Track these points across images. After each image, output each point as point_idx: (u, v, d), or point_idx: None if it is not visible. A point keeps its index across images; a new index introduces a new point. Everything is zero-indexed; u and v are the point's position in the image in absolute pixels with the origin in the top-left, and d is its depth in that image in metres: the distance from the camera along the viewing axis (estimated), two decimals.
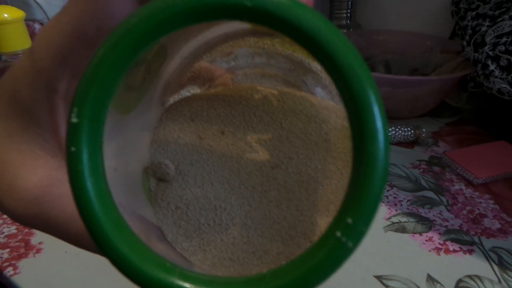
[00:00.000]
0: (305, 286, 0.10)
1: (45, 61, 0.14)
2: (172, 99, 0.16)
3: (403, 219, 0.42)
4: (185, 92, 0.17)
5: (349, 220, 0.10)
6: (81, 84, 0.10)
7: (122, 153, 0.14)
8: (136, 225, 0.13)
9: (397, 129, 0.54)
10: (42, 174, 0.15)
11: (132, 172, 0.15)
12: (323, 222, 0.14)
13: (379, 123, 0.09)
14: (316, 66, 0.17)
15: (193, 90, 0.17)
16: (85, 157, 0.10)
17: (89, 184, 0.10)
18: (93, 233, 0.10)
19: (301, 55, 0.16)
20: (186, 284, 0.10)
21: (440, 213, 0.43)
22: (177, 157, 0.15)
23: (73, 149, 0.10)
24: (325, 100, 0.15)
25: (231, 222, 0.14)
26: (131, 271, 0.10)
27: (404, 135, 0.54)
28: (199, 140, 0.15)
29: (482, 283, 0.35)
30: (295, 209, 0.14)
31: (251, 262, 0.14)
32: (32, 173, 0.15)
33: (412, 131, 0.54)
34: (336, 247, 0.10)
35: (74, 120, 0.10)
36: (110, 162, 0.11)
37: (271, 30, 0.10)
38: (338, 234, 0.10)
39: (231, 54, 0.17)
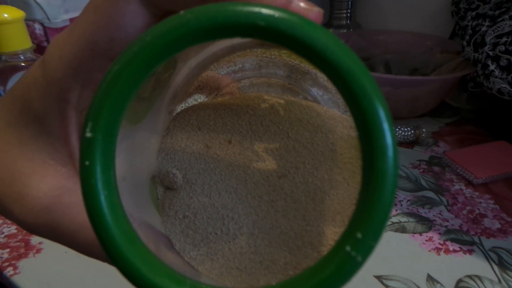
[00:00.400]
0: None
1: (57, 71, 0.14)
2: (179, 108, 0.16)
3: (403, 219, 0.42)
4: (192, 101, 0.17)
5: (359, 235, 0.10)
6: (96, 99, 0.10)
7: (131, 162, 0.14)
8: (145, 234, 0.13)
9: (397, 129, 0.54)
10: (52, 183, 0.15)
11: (140, 181, 0.15)
12: (330, 233, 0.14)
13: (388, 139, 0.09)
14: (322, 76, 0.17)
15: (200, 98, 0.17)
16: (98, 170, 0.10)
17: (102, 197, 0.10)
18: (106, 245, 0.10)
19: (307, 65, 0.17)
20: None
21: (440, 213, 0.43)
22: (185, 166, 0.15)
23: (87, 163, 0.10)
24: (331, 109, 0.15)
25: (238, 231, 0.15)
26: (142, 283, 0.11)
27: (404, 135, 0.54)
28: (206, 149, 0.15)
29: (482, 283, 0.35)
30: (302, 219, 0.14)
31: (259, 271, 0.14)
32: (42, 182, 0.15)
33: (412, 131, 0.54)
34: (345, 261, 0.10)
35: (88, 134, 0.10)
36: (119, 171, 0.12)
37: None
38: (348, 248, 0.10)
39: (237, 64, 0.17)
